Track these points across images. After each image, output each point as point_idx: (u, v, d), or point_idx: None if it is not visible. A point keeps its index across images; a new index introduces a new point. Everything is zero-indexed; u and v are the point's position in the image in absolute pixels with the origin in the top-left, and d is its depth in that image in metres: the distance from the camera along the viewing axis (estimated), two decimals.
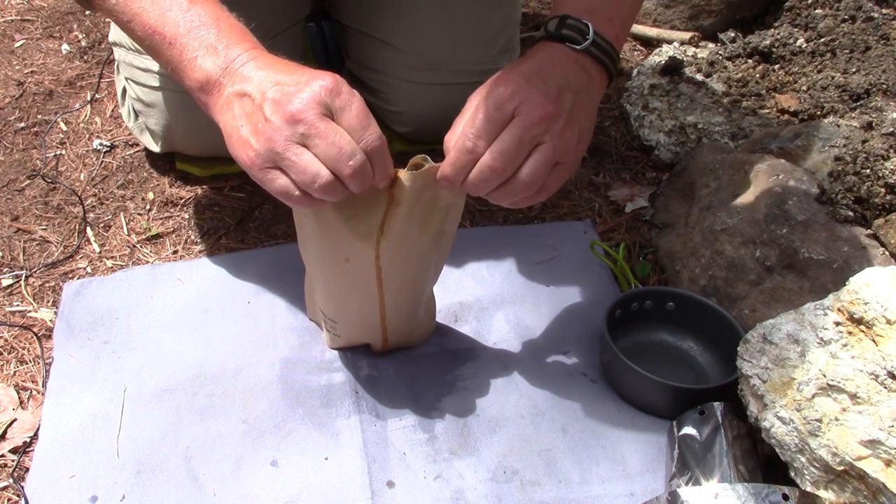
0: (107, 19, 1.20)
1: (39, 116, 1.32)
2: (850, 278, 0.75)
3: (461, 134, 0.71)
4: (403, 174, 0.74)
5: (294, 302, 1.00)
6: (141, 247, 1.09)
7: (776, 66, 1.35)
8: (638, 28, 1.54)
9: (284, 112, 0.66)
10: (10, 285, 1.04)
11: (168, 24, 0.74)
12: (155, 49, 0.76)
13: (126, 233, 1.11)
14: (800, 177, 1.02)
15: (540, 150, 0.71)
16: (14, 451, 0.86)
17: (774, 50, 1.36)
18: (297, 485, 0.82)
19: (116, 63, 1.19)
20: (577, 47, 0.76)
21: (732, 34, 1.45)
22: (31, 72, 1.41)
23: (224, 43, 0.72)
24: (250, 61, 0.71)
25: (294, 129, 0.66)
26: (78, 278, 1.04)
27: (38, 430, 0.87)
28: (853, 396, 0.70)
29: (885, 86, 1.22)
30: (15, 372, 0.94)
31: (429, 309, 0.94)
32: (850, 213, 0.97)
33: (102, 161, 1.23)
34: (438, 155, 0.75)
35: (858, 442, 0.69)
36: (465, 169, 0.71)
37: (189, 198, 1.16)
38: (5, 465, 0.85)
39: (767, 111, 1.27)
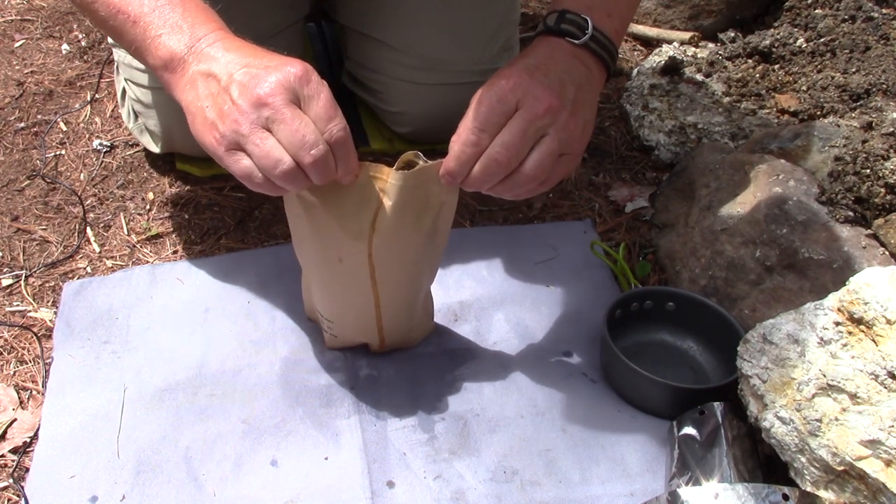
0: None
1: (39, 116, 1.32)
2: (850, 278, 0.75)
3: (464, 128, 0.71)
4: (394, 174, 0.74)
5: (294, 302, 1.00)
6: (141, 247, 1.09)
7: (776, 66, 1.35)
8: (638, 28, 1.54)
9: (251, 95, 0.66)
10: (10, 285, 1.04)
11: (132, 4, 0.74)
12: (118, 30, 0.76)
13: (126, 233, 1.11)
14: (800, 177, 1.02)
15: (544, 141, 0.71)
16: (14, 451, 0.86)
17: (774, 50, 1.36)
18: (297, 485, 0.82)
19: (116, 64, 1.19)
20: (577, 42, 0.77)
21: (732, 34, 1.45)
22: (31, 72, 1.41)
23: (190, 22, 0.72)
24: (217, 42, 0.71)
25: (260, 113, 0.66)
26: (78, 278, 1.04)
27: (38, 430, 0.87)
28: (853, 396, 0.70)
29: (885, 86, 1.22)
30: (15, 372, 0.94)
31: (426, 308, 0.94)
32: (850, 213, 0.97)
33: (102, 161, 1.23)
34: (439, 155, 0.75)
35: (858, 442, 0.69)
36: (469, 163, 0.71)
37: (189, 198, 1.16)
38: (5, 465, 0.85)
39: (767, 111, 1.27)
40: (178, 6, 0.73)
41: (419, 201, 0.76)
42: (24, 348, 0.96)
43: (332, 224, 0.76)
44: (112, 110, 1.33)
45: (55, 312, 0.99)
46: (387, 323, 0.88)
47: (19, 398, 0.91)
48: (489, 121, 0.70)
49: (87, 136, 1.28)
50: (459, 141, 0.71)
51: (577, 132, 0.73)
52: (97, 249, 1.09)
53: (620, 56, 1.46)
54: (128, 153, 1.25)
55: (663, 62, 1.35)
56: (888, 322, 0.70)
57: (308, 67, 0.68)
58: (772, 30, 1.41)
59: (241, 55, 0.70)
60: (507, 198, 0.75)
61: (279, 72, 0.67)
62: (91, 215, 1.14)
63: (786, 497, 0.67)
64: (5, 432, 0.87)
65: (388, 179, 0.74)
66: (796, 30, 1.40)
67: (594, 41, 0.77)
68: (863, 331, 0.72)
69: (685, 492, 0.70)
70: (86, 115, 1.32)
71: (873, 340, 0.71)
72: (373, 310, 0.85)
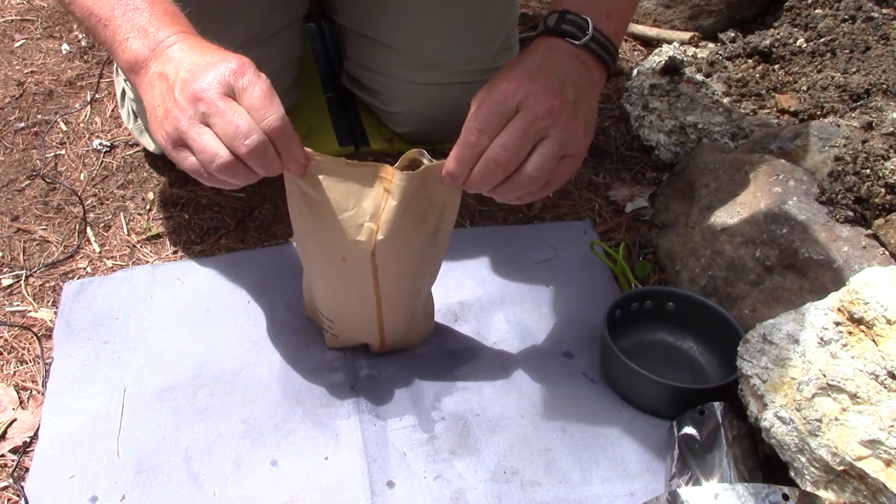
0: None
1: (39, 116, 1.32)
2: (850, 278, 0.75)
3: (465, 129, 0.71)
4: (399, 174, 0.74)
5: (294, 302, 1.00)
6: (141, 247, 1.09)
7: (776, 66, 1.35)
8: (638, 28, 1.54)
9: (188, 91, 0.68)
10: (10, 285, 1.03)
11: (104, 7, 0.76)
12: (92, 30, 0.79)
13: (126, 233, 1.11)
14: (800, 177, 1.02)
15: (545, 143, 0.71)
16: (14, 451, 0.86)
17: (774, 50, 1.36)
18: (297, 485, 0.82)
19: (115, 64, 1.19)
20: (577, 43, 0.77)
21: (732, 34, 1.45)
22: (31, 72, 1.41)
23: (155, 26, 0.74)
24: (177, 43, 0.73)
25: (196, 108, 0.67)
26: (78, 278, 1.04)
27: (38, 430, 0.87)
28: (853, 396, 0.70)
29: (885, 86, 1.22)
30: (15, 372, 0.94)
31: (427, 309, 0.94)
32: (850, 213, 0.97)
33: (102, 161, 1.23)
34: (439, 155, 0.75)
35: (858, 442, 0.69)
36: (468, 164, 0.71)
37: (189, 198, 1.16)
38: (5, 465, 0.85)
39: (767, 111, 1.27)
40: (145, 10, 0.75)
41: (423, 201, 0.76)
42: (24, 348, 0.96)
43: (336, 223, 0.76)
44: (112, 110, 1.33)
45: (55, 312, 0.99)
46: (388, 323, 0.88)
47: (19, 398, 0.91)
48: (489, 122, 0.70)
49: (87, 136, 1.28)
50: (460, 142, 0.71)
51: (578, 133, 0.73)
52: (97, 249, 1.09)
53: (620, 56, 1.46)
54: (128, 153, 1.25)
55: (663, 62, 1.35)
56: (888, 322, 0.70)
57: (245, 61, 0.69)
58: (772, 30, 1.41)
59: (192, 54, 0.71)
60: (511, 201, 0.75)
61: (215, 68, 0.68)
62: (91, 215, 1.14)
63: (786, 497, 0.67)
64: (5, 432, 0.87)
65: (392, 179, 0.74)
66: (796, 30, 1.40)
67: (594, 42, 0.77)
68: (863, 331, 0.72)
69: (685, 492, 0.70)
70: (86, 115, 1.32)
71: (873, 340, 0.71)
72: (374, 310, 0.85)
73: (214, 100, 0.67)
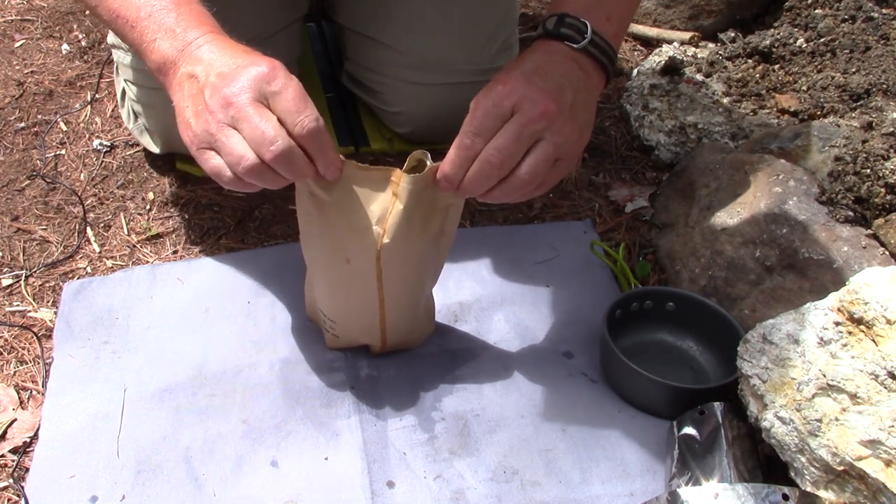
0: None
1: (39, 116, 1.32)
2: (850, 278, 0.75)
3: (460, 133, 0.71)
4: (405, 177, 0.74)
5: (294, 302, 1.00)
6: (141, 247, 1.09)
7: (776, 66, 1.35)
8: (638, 28, 1.54)
9: (220, 95, 0.68)
10: (10, 285, 1.04)
11: (130, 9, 0.76)
12: (119, 32, 0.79)
13: (126, 233, 1.11)
14: (800, 177, 1.02)
15: (540, 146, 0.71)
16: (14, 451, 0.86)
17: (774, 50, 1.36)
18: (297, 485, 0.82)
19: (115, 65, 1.19)
20: (575, 46, 0.76)
21: (732, 34, 1.45)
22: (31, 72, 1.41)
23: (183, 26, 0.74)
24: (206, 44, 0.73)
25: (227, 112, 0.67)
26: (78, 278, 1.04)
27: (38, 430, 0.87)
28: (853, 396, 0.70)
29: (885, 86, 1.22)
30: (15, 372, 0.94)
31: (428, 311, 0.94)
32: (850, 213, 0.97)
33: (102, 161, 1.23)
34: (440, 155, 0.75)
35: (858, 442, 0.69)
36: (463, 166, 0.71)
37: (189, 198, 1.16)
38: (5, 465, 0.85)
39: (767, 111, 1.27)
40: (172, 11, 0.75)
41: (428, 204, 0.76)
42: (24, 348, 0.96)
43: (343, 224, 0.76)
44: (112, 110, 1.33)
45: (55, 312, 0.99)
46: (390, 324, 0.88)
47: (19, 398, 0.91)
48: (484, 125, 0.70)
49: (87, 136, 1.28)
50: (454, 145, 0.71)
51: (573, 137, 0.73)
52: (97, 249, 1.09)
53: (620, 56, 1.46)
54: (128, 153, 1.25)
55: (663, 62, 1.35)
56: (888, 322, 0.70)
57: (276, 65, 0.69)
58: (772, 30, 1.41)
59: (221, 56, 0.71)
60: (503, 202, 0.75)
61: (246, 71, 0.68)
62: (91, 215, 1.14)
63: (786, 497, 0.67)
64: (5, 432, 0.87)
65: (399, 182, 0.74)
66: (796, 30, 1.40)
67: (593, 45, 0.77)
68: (863, 331, 0.72)
69: (685, 492, 0.70)
70: (86, 115, 1.32)
71: (873, 340, 0.71)
72: (377, 311, 0.85)
73: (244, 105, 0.67)
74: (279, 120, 0.67)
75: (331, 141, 0.71)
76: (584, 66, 0.77)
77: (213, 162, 0.69)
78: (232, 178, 0.69)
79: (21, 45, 1.49)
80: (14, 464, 0.84)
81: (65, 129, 1.29)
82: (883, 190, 0.96)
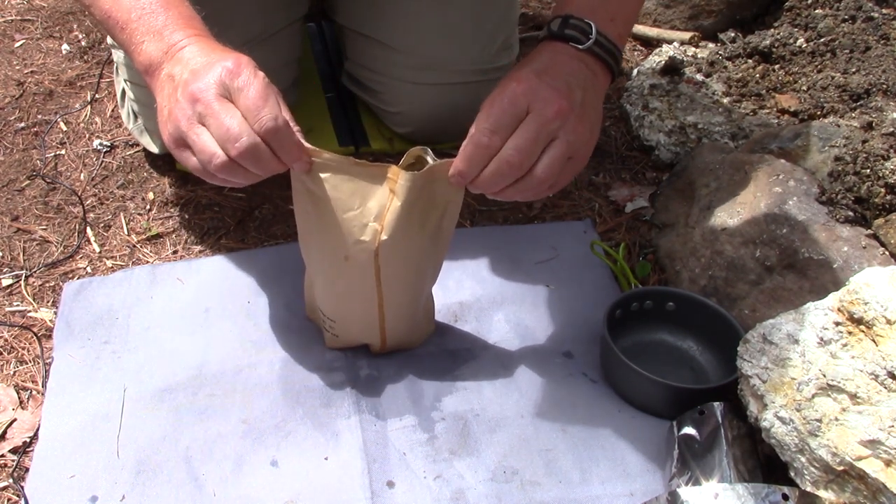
0: None
1: (39, 116, 1.32)
2: (850, 278, 0.75)
3: (476, 129, 0.71)
4: (404, 174, 0.74)
5: (294, 302, 1.00)
6: (141, 247, 1.09)
7: (776, 66, 1.35)
8: (638, 28, 1.54)
9: (188, 91, 0.69)
10: (10, 285, 1.04)
11: (121, 10, 0.77)
12: (111, 33, 0.80)
13: (126, 233, 1.11)
14: (800, 177, 1.02)
15: (554, 145, 0.72)
16: (14, 451, 0.86)
17: (774, 50, 1.36)
18: (297, 485, 0.82)
19: (115, 65, 1.19)
20: (581, 47, 0.77)
21: (732, 34, 1.45)
22: (31, 72, 1.41)
23: (169, 29, 0.75)
24: (188, 46, 0.74)
25: (194, 108, 0.68)
26: (78, 278, 1.04)
27: (38, 430, 0.87)
28: (853, 396, 0.70)
29: (885, 86, 1.22)
30: (15, 372, 0.94)
31: (427, 310, 0.94)
32: (850, 213, 0.97)
33: (102, 161, 1.23)
34: (439, 154, 0.75)
35: (858, 442, 0.69)
36: (480, 164, 0.71)
37: (189, 198, 1.16)
38: (5, 465, 0.85)
39: (767, 111, 1.27)
40: (160, 14, 0.76)
41: (426, 201, 0.76)
42: (24, 348, 0.96)
43: (341, 222, 0.76)
44: (112, 110, 1.33)
45: (55, 312, 0.99)
46: (389, 323, 0.88)
47: (19, 398, 0.91)
48: (501, 123, 0.71)
49: (87, 136, 1.28)
50: (471, 142, 0.71)
51: (585, 136, 0.74)
52: (97, 249, 1.09)
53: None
54: (128, 153, 1.25)
55: (663, 62, 1.35)
56: (888, 322, 0.70)
57: (242, 60, 0.69)
58: (772, 30, 1.41)
59: (200, 56, 0.72)
60: (514, 199, 0.76)
61: (213, 68, 0.69)
62: (91, 215, 1.14)
63: (786, 497, 0.67)
64: (5, 432, 0.87)
65: (397, 179, 0.74)
66: (796, 30, 1.40)
67: (598, 45, 0.77)
68: (863, 331, 0.72)
69: (685, 492, 0.70)
70: (86, 115, 1.32)
71: (873, 340, 0.71)
72: (376, 310, 0.85)
73: (210, 101, 0.68)
74: (243, 116, 0.68)
75: (294, 135, 0.71)
76: (591, 66, 0.78)
77: (192, 160, 0.71)
78: (210, 174, 0.70)
79: (21, 45, 1.49)
80: (14, 464, 0.84)
81: (65, 129, 1.29)
82: (883, 190, 0.96)
